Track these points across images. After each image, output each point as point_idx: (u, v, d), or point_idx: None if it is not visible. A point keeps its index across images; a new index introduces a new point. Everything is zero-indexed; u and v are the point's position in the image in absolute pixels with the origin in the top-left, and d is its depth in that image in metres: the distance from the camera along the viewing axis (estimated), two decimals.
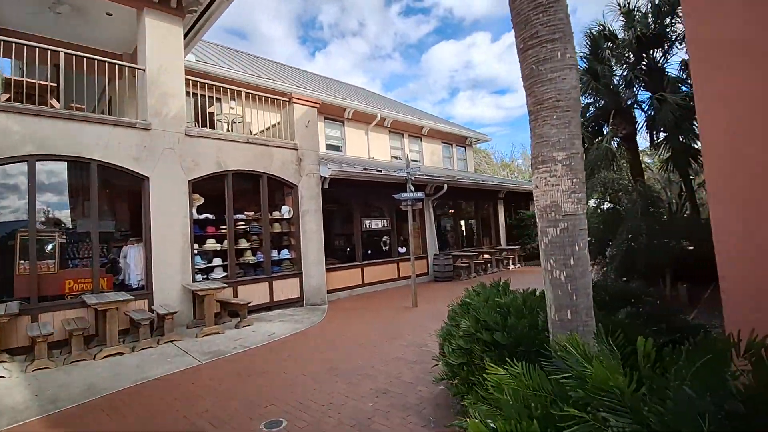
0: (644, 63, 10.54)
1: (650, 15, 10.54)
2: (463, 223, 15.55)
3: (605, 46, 10.36)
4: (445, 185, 12.32)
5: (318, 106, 9.95)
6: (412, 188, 8.96)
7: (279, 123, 9.42)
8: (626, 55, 10.67)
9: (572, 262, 2.55)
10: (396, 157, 16.23)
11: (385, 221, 11.65)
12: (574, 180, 2.57)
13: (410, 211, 8.91)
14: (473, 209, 15.77)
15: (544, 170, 2.63)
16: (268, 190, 8.63)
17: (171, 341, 6.31)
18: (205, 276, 7.81)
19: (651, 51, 10.59)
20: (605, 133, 10.54)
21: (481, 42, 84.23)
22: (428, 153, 17.80)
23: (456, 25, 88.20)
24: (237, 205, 8.35)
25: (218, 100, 9.08)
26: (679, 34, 10.39)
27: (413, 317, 7.65)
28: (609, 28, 10.71)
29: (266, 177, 8.60)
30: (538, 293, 4.20)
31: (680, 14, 10.53)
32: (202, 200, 7.87)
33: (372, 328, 6.96)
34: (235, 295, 7.85)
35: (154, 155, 7.10)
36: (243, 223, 8.45)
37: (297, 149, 9.18)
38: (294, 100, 9.32)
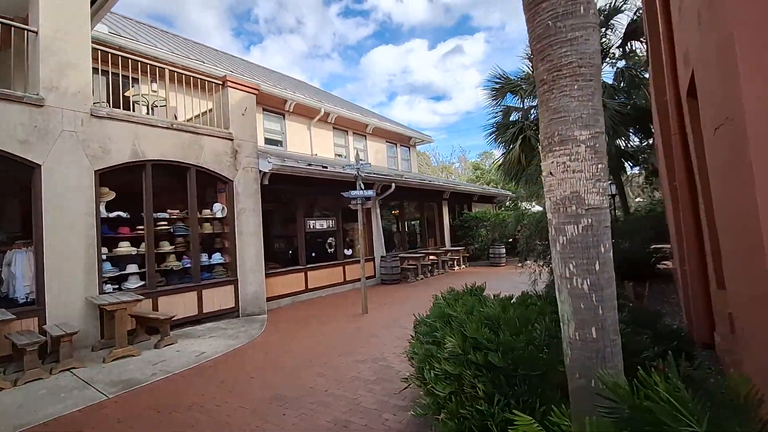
0: None
1: None
2: (408, 223, 15.20)
3: None
4: (393, 184, 11.82)
5: (257, 92, 8.94)
6: (362, 186, 8.30)
7: (211, 110, 8.29)
8: None
9: (597, 268, 2.05)
10: (340, 155, 15.48)
11: (330, 221, 10.87)
12: (599, 165, 2.08)
13: (360, 210, 8.25)
14: (419, 210, 15.49)
15: (562, 153, 2.11)
16: (197, 185, 7.49)
17: (69, 369, 5.06)
18: (116, 286, 6.52)
19: None
20: None
21: (418, 48, 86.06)
22: (373, 152, 17.26)
23: (395, 31, 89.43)
24: (159, 202, 7.13)
25: (137, 81, 7.74)
26: (614, 43, 10.84)
27: (365, 326, 6.99)
28: None
29: (195, 170, 7.46)
30: (514, 299, 3.76)
31: (612, 25, 11.01)
32: (113, 195, 6.57)
33: (320, 341, 6.18)
34: (156, 308, 6.64)
35: (47, 138, 5.73)
36: (166, 223, 7.23)
37: (232, 140, 8.12)
38: (229, 83, 8.24)
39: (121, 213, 6.69)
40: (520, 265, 10.02)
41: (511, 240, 16.36)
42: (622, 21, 10.76)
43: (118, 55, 6.83)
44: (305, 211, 10.27)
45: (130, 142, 6.60)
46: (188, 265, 7.37)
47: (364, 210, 8.44)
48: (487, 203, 20.07)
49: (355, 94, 78.04)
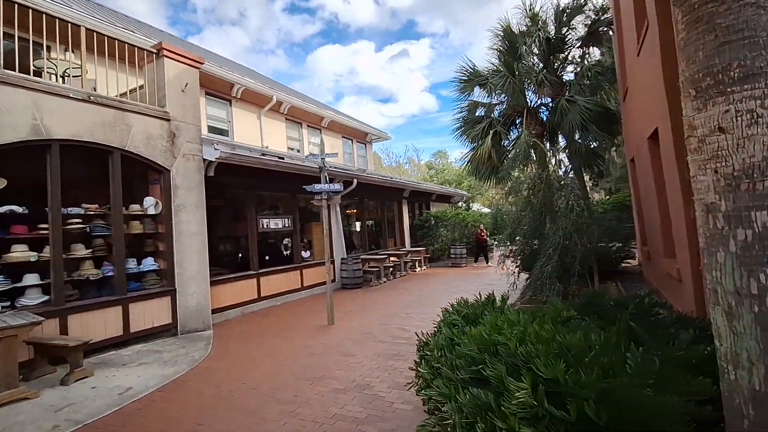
0: (546, 69, 10.56)
1: (552, 22, 10.61)
2: (368, 223, 14.28)
3: (523, 41, 10.07)
4: (355, 180, 10.84)
5: (200, 65, 7.57)
6: (327, 178, 7.27)
7: (142, 87, 6.82)
8: (537, 54, 10.56)
9: None
10: (293, 149, 14.22)
11: (286, 220, 9.66)
12: None
13: (325, 206, 7.21)
14: (379, 209, 14.63)
15: (746, 95, 1.31)
16: (122, 173, 6.04)
17: None
18: (7, 304, 4.96)
19: (552, 57, 10.70)
20: (520, 132, 10.26)
21: (365, 50, 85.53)
22: (328, 147, 15.89)
23: (341, 31, 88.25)
24: (71, 195, 5.63)
25: (48, 48, 6.04)
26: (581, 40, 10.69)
27: (335, 341, 5.97)
28: (524, 23, 10.50)
29: (120, 155, 6.01)
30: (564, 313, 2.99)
31: (573, 26, 10.91)
32: (3, 183, 5.00)
33: (284, 363, 5.08)
34: (65, 330, 5.16)
35: None
36: (80, 220, 5.72)
37: (169, 120, 6.72)
38: (166, 53, 6.83)
39: (14, 207, 5.12)
40: (497, 265, 9.48)
41: (469, 241, 16.01)
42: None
43: (20, 4, 5.24)
44: (258, 208, 9.00)
45: (29, 115, 5.06)
46: (110, 274, 5.90)
47: (328, 207, 7.40)
48: (444, 203, 19.70)
49: (302, 93, 75.76)
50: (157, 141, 6.51)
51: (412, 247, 15.72)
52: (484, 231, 15.74)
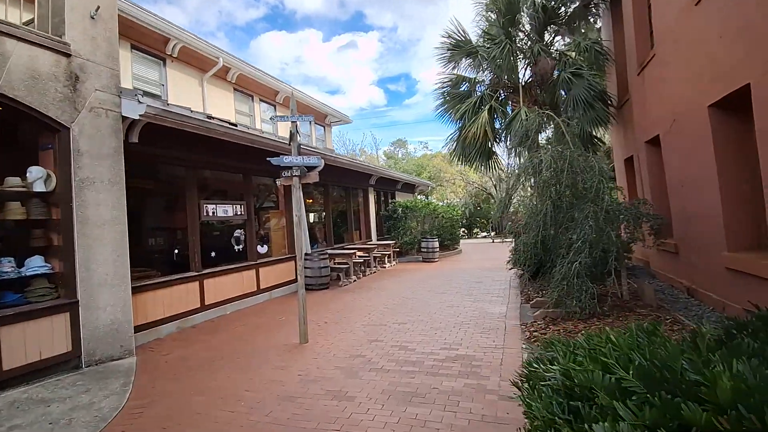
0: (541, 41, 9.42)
1: None
2: (333, 214, 12.51)
3: (523, 9, 8.75)
4: (323, 161, 9.03)
5: None
6: (299, 149, 5.52)
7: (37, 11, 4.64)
8: (532, 23, 9.35)
9: None
10: (244, 125, 12.06)
11: (239, 207, 7.70)
12: None
13: (297, 186, 5.45)
14: (345, 197, 12.90)
15: None
16: None
17: None
18: None
19: (547, 28, 9.60)
20: (516, 110, 9.01)
21: (312, 39, 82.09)
22: (284, 126, 14.06)
23: (287, 17, 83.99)
24: None
25: None
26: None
27: (315, 370, 4.28)
28: None
29: None
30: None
31: None
32: None
33: (245, 419, 3.33)
34: None
35: None
36: None
37: (69, 56, 4.60)
38: None
39: None
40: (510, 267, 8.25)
41: (440, 233, 14.79)
42: None
43: None
44: (201, 191, 6.98)
45: None
46: None
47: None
48: (409, 193, 18.38)
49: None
50: (49, 84, 4.38)
51: (379, 240, 14.20)
52: None
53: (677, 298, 6.26)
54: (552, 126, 8.41)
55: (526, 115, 7.85)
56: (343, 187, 12.59)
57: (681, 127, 5.79)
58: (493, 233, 27.24)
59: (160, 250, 6.54)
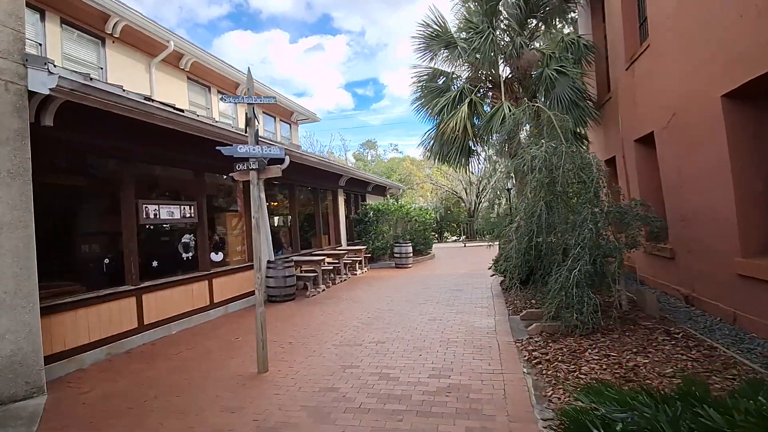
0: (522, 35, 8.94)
1: None
2: (299, 217, 11.55)
3: None
4: (288, 158, 8.10)
5: None
6: (257, 136, 4.62)
7: None
8: (513, 15, 8.84)
9: None
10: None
11: (187, 209, 6.64)
12: None
13: (254, 183, 4.52)
14: (311, 199, 11.95)
15: None
16: None
17: None
18: None
19: (527, 21, 9.15)
20: (497, 106, 8.44)
21: (278, 40, 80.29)
22: (244, 123, 12.97)
23: (252, 16, 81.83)
24: None
25: None
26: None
27: (276, 414, 3.38)
28: None
29: None
30: None
31: None
32: None
33: None
34: None
35: None
36: None
37: None
38: None
39: None
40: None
41: (413, 238, 14.11)
42: None
43: None
44: (141, 189, 5.89)
45: None
46: None
47: (259, 184, 4.72)
48: (379, 195, 17.64)
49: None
50: None
51: (349, 245, 13.33)
52: None
53: (676, 307, 5.81)
54: (531, 123, 7.87)
55: (510, 110, 7.27)
56: (310, 189, 11.65)
57: (681, 122, 5.33)
58: (463, 237, 26.97)
59: (85, 259, 5.39)
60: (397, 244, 13.15)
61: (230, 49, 72.90)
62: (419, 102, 9.00)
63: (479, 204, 28.30)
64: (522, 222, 5.45)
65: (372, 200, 16.13)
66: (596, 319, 4.67)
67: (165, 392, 3.90)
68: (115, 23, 8.36)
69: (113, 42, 8.61)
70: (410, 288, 9.16)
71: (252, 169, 4.43)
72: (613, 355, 4.14)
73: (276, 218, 10.42)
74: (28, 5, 6.63)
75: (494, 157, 10.93)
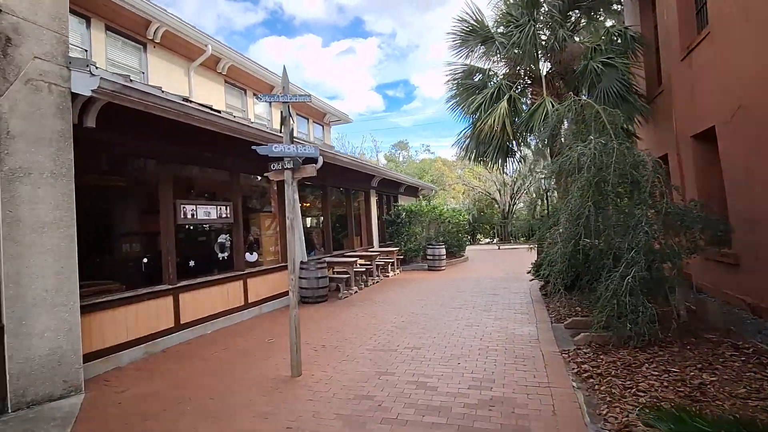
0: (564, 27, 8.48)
1: None
2: (332, 218, 11.51)
3: None
4: (321, 158, 8.02)
5: None
6: (292, 135, 4.53)
7: None
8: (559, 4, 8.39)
9: None
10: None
11: (223, 209, 6.68)
12: None
13: (289, 182, 4.44)
14: (343, 200, 11.89)
15: None
16: None
17: None
18: None
19: (569, 13, 8.69)
20: (537, 102, 8.04)
21: (311, 45, 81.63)
22: (279, 123, 13.10)
23: (286, 23, 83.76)
24: None
25: None
26: None
27: (310, 421, 3.25)
28: None
29: None
30: None
31: None
32: None
33: None
34: None
35: None
36: None
37: None
38: None
39: None
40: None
41: (446, 239, 13.77)
42: None
43: None
44: (178, 189, 5.96)
45: None
46: None
47: (293, 184, 4.62)
48: (411, 196, 17.41)
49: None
50: None
51: (381, 246, 13.19)
52: None
53: (741, 318, 5.27)
54: (575, 119, 7.40)
55: (553, 105, 6.88)
56: (342, 189, 11.59)
57: (750, 115, 4.82)
58: (497, 239, 26.28)
59: (125, 258, 5.50)
60: (430, 246, 12.88)
61: (265, 55, 74.99)
62: (454, 100, 8.73)
63: (514, 205, 27.51)
64: (567, 224, 5.09)
65: (404, 201, 15.93)
66: (653, 330, 4.28)
67: (199, 394, 3.86)
68: (156, 28, 8.59)
69: (154, 47, 8.85)
70: (445, 291, 8.89)
71: (287, 168, 4.34)
72: (675, 371, 3.76)
73: (308, 219, 10.41)
74: (74, 13, 6.92)
75: (532, 156, 10.49)
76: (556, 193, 8.35)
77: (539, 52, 8.19)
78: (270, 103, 12.52)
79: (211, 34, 9.99)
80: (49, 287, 3.84)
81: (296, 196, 7.93)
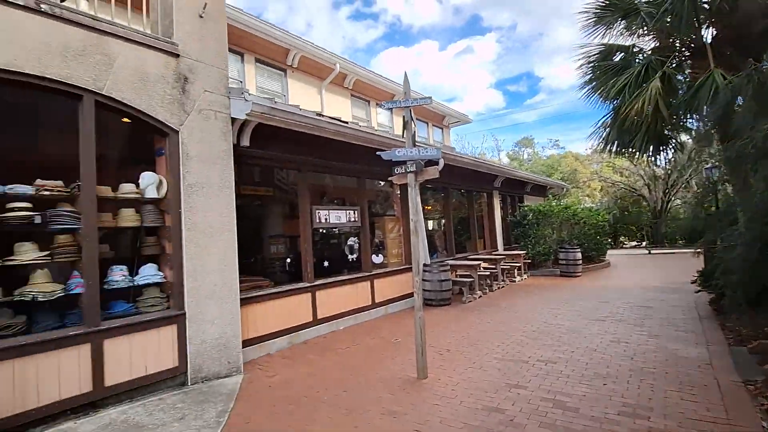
0: None
1: None
2: (453, 220, 11.38)
3: None
4: (442, 160, 7.99)
5: None
6: (414, 139, 4.58)
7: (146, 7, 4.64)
8: None
9: None
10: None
11: (352, 213, 7.12)
12: None
13: (412, 185, 4.49)
14: (465, 202, 11.65)
15: None
16: (97, 132, 3.82)
17: None
18: None
19: None
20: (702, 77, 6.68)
21: (428, 50, 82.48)
22: (400, 129, 13.48)
23: (404, 32, 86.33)
24: (12, 163, 3.51)
25: None
26: None
27: (435, 424, 3.20)
28: None
29: (94, 101, 3.79)
30: None
31: None
32: None
33: None
34: None
35: None
36: (27, 205, 3.58)
37: (178, 56, 4.44)
38: None
39: None
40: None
41: (581, 243, 12.38)
42: None
43: None
44: (313, 196, 6.56)
45: None
46: (78, 290, 3.70)
47: (416, 187, 4.66)
48: (539, 196, 16.18)
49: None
50: (158, 86, 4.24)
51: (505, 249, 12.53)
52: None
53: None
54: (751, 93, 5.90)
55: (725, 78, 5.63)
56: (464, 191, 11.37)
57: None
58: (646, 242, 22.78)
59: (270, 258, 6.26)
60: (563, 250, 11.75)
61: (384, 67, 78.45)
62: (590, 86, 7.80)
63: (668, 203, 23.49)
64: (749, 223, 4.08)
65: (530, 201, 14.90)
66: None
67: (334, 385, 4.14)
68: (294, 55, 9.64)
69: (293, 71, 9.95)
70: (582, 300, 7.99)
71: (410, 171, 4.41)
72: None
73: (430, 222, 10.46)
74: (231, 51, 8.16)
75: (693, 143, 8.77)
76: (728, 186, 6.84)
77: (701, 16, 6.80)
78: (391, 110, 12.99)
79: (338, 54, 10.80)
80: (217, 282, 4.55)
81: (419, 199, 8.04)
